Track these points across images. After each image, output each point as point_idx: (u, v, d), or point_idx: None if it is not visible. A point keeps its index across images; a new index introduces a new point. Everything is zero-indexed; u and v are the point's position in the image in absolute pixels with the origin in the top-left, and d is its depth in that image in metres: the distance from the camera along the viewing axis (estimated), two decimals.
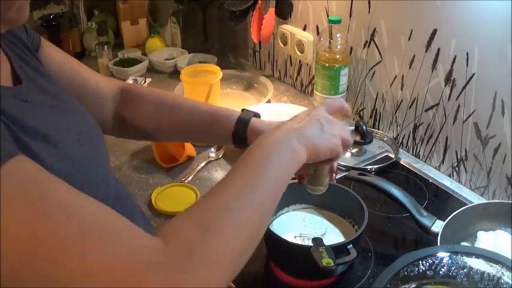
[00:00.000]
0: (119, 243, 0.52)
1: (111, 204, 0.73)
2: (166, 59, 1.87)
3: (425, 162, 1.32)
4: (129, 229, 0.55)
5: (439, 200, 1.20)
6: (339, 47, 1.39)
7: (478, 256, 0.81)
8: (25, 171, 0.52)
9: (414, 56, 1.26)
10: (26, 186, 0.51)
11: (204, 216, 0.59)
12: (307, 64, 1.62)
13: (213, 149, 1.36)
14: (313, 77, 1.55)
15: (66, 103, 0.77)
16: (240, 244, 0.59)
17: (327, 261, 0.85)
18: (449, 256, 0.82)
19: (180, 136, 1.02)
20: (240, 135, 0.90)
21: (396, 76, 1.32)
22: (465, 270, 0.80)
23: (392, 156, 1.33)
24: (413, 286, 0.79)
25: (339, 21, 1.36)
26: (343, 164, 1.30)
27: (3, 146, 0.52)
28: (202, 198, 0.63)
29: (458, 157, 1.22)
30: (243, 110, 0.93)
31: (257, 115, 0.92)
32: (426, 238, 1.02)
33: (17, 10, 0.64)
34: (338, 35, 1.38)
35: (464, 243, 0.99)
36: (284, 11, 1.61)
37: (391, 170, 1.30)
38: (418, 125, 1.31)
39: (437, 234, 0.96)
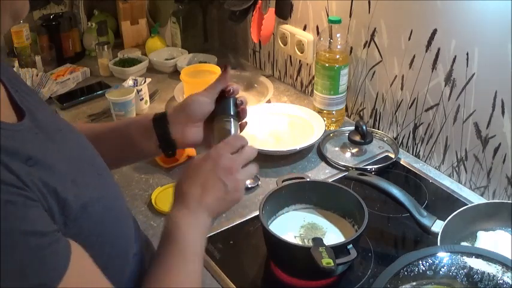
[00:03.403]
0: None
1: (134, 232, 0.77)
2: (166, 59, 1.87)
3: (425, 162, 1.32)
4: None
5: (439, 200, 1.19)
6: (339, 47, 1.39)
7: (478, 256, 0.81)
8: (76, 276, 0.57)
9: (414, 56, 1.26)
10: None
11: None
12: (307, 64, 1.61)
13: None
14: (313, 77, 1.55)
15: (69, 132, 0.75)
16: None
17: (327, 261, 0.85)
18: (449, 256, 0.82)
19: (115, 160, 0.96)
20: (160, 117, 0.89)
21: (396, 76, 1.32)
22: (465, 270, 0.80)
23: (393, 156, 1.33)
24: (413, 286, 0.79)
25: (339, 21, 1.36)
26: (343, 164, 1.30)
27: (62, 249, 0.57)
28: None
29: (458, 157, 1.22)
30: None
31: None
32: (426, 238, 1.02)
33: None
34: (338, 35, 1.38)
35: (464, 243, 0.99)
36: (284, 11, 1.61)
37: (391, 170, 1.30)
38: (418, 125, 1.31)
39: (437, 234, 0.96)
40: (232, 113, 0.88)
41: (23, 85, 0.72)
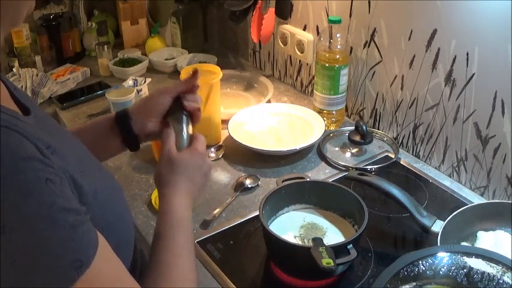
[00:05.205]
0: None
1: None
2: (166, 59, 1.87)
3: (425, 162, 1.32)
4: None
5: (439, 200, 1.19)
6: (339, 47, 1.39)
7: (478, 256, 0.81)
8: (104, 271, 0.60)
9: (414, 56, 1.26)
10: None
11: None
12: (307, 64, 1.62)
13: (213, 149, 1.36)
14: (313, 77, 1.55)
15: (64, 130, 0.78)
16: None
17: (327, 261, 0.85)
18: (449, 256, 0.82)
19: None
20: (123, 115, 0.95)
21: (396, 76, 1.32)
22: (465, 270, 0.80)
23: (393, 156, 1.33)
24: (413, 286, 0.79)
25: (339, 21, 1.36)
26: (343, 164, 1.30)
27: (92, 229, 0.60)
28: None
29: (458, 157, 1.22)
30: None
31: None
32: (426, 238, 1.02)
33: None
34: (338, 35, 1.38)
35: (464, 243, 0.99)
36: (284, 11, 1.61)
37: (391, 170, 1.30)
38: (418, 125, 1.31)
39: (437, 234, 0.96)
40: (185, 112, 0.95)
41: (16, 86, 0.75)
